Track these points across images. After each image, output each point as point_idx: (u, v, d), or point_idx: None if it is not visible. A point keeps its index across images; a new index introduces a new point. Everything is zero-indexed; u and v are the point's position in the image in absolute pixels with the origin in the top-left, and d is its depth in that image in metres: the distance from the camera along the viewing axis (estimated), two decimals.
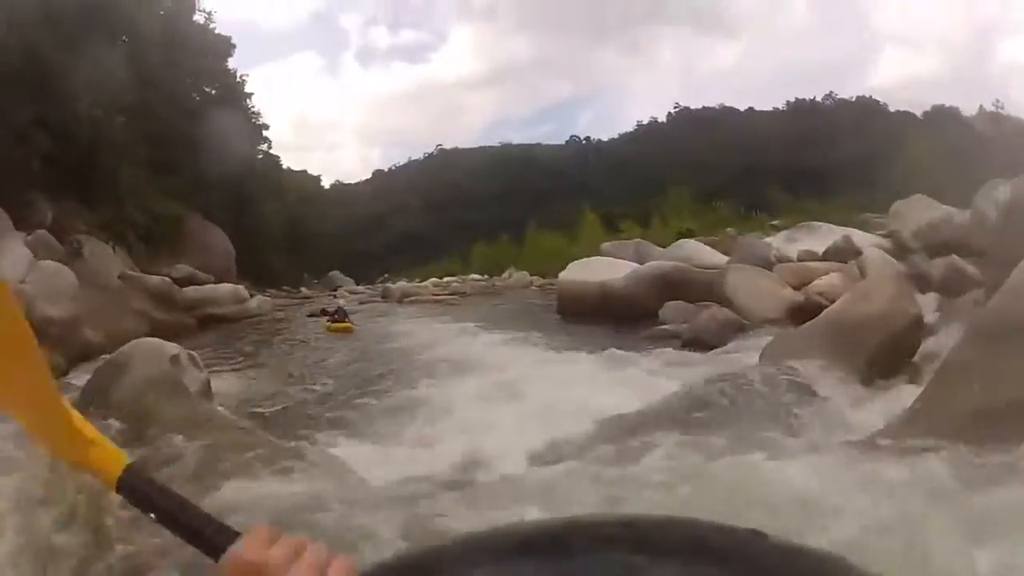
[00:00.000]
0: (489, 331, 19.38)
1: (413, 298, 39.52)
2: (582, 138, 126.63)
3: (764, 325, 15.46)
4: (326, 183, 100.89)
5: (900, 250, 20.47)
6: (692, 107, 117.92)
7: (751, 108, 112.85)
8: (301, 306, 35.59)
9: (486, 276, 52.48)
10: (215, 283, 29.46)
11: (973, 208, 19.01)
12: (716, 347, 14.09)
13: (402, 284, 49.92)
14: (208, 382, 10.06)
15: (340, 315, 24.14)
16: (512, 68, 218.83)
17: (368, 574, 0.57)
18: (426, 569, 0.57)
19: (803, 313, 14.47)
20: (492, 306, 31.17)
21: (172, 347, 9.91)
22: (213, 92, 45.02)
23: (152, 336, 21.74)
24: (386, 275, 68.23)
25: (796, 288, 17.80)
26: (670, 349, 14.22)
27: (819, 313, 11.52)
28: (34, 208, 21.57)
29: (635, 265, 22.98)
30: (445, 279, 51.68)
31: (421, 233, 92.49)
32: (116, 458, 0.92)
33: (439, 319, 25.36)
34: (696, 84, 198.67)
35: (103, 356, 17.24)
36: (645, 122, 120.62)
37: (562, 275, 24.30)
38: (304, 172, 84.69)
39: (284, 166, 72.46)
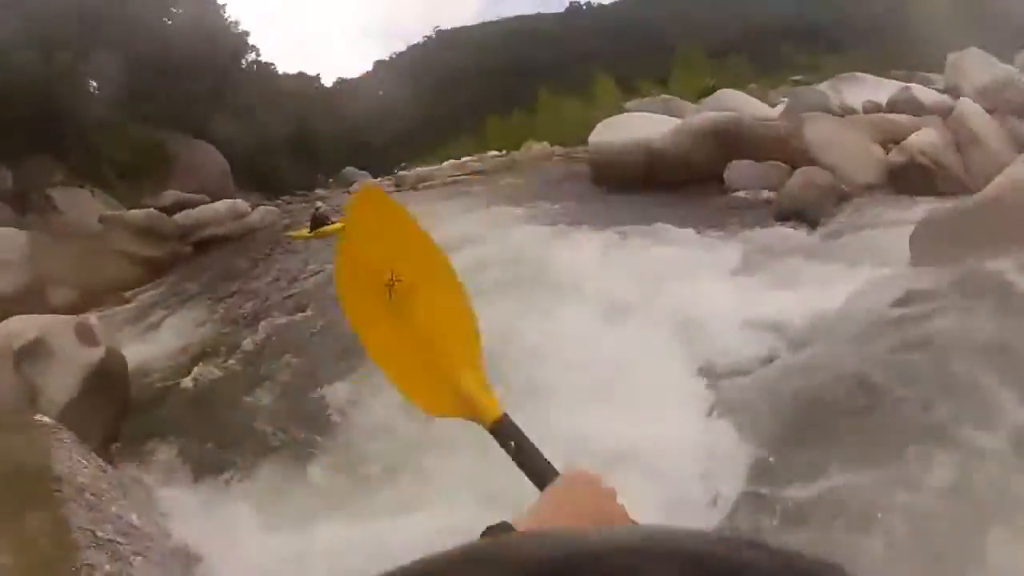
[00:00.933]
0: (529, 217, 15.06)
1: (429, 183, 35.92)
2: (582, 3, 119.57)
3: (862, 193, 11.95)
4: (328, 82, 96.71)
5: None
6: None
7: None
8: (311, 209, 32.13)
9: (504, 151, 47.93)
10: (211, 203, 25.89)
11: None
12: (819, 221, 10.53)
13: (417, 170, 46.18)
14: (102, 360, 7.14)
15: (320, 218, 20.49)
16: None
17: None
18: None
19: (906, 177, 11.98)
20: (518, 182, 27.26)
21: (26, 334, 6.70)
22: (181, 12, 40.53)
23: (145, 273, 18.92)
24: (403, 164, 64.05)
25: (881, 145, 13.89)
26: (760, 227, 10.53)
27: (926, 178, 10.49)
28: None
29: (676, 120, 18.90)
30: (463, 159, 47.35)
31: (432, 117, 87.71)
32: (493, 408, 1.17)
33: (460, 203, 21.67)
34: None
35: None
36: None
37: (593, 137, 20.18)
38: (301, 74, 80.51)
39: (280, 72, 68.88)
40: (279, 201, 38.28)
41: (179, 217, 23.22)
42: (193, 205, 25.09)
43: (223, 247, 22.46)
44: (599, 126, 20.58)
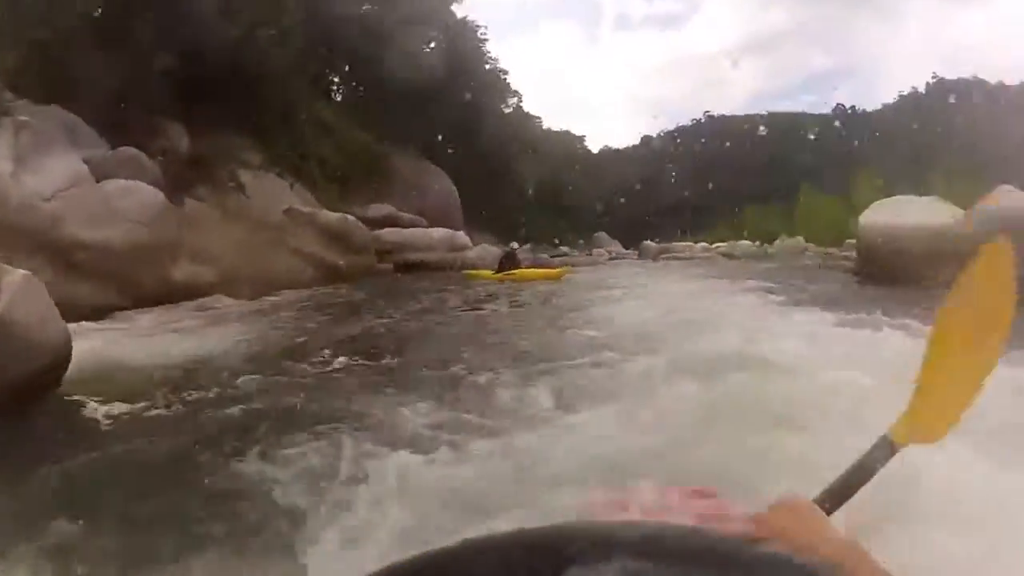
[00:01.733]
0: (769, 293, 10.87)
1: (669, 255, 33.34)
2: (847, 107, 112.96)
3: None
4: (594, 148, 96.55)
5: None
6: (947, 78, 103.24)
7: (1001, 82, 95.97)
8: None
9: (757, 242, 43.83)
10: (427, 227, 23.60)
11: None
12: None
13: (661, 244, 43.91)
14: None
15: (510, 258, 18.08)
16: (768, 38, 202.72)
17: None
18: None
19: None
20: (771, 266, 23.04)
21: None
22: (437, 35, 39.53)
23: (316, 278, 16.18)
24: (657, 240, 61.39)
25: None
26: None
27: None
28: (159, 133, 15.93)
29: (960, 210, 14.15)
30: (714, 244, 44.07)
31: (691, 199, 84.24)
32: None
33: (702, 270, 19.08)
34: (946, 54, 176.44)
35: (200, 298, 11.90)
36: (906, 92, 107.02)
37: (864, 217, 15.86)
38: (567, 132, 79.87)
39: (545, 127, 68.62)
40: (520, 247, 36.44)
41: (385, 233, 21.02)
42: (404, 224, 22.90)
43: (429, 275, 19.78)
44: (873, 205, 16.36)
